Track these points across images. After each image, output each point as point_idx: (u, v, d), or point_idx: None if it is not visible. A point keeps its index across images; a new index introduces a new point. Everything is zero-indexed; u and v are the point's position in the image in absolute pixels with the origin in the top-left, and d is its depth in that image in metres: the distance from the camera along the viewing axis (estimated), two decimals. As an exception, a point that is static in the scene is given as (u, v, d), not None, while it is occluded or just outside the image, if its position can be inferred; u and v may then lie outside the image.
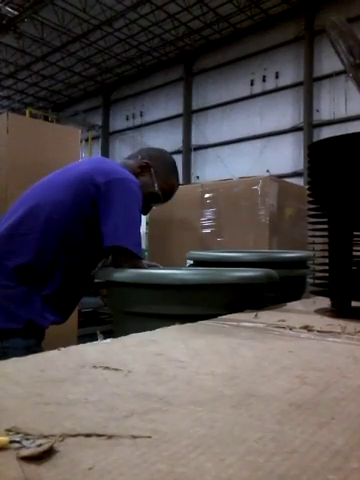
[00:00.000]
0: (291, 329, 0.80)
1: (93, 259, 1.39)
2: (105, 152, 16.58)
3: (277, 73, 12.31)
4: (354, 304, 0.98)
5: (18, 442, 0.33)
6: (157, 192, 1.48)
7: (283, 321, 0.86)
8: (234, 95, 13.05)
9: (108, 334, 0.87)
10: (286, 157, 11.83)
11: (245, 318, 0.90)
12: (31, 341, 1.24)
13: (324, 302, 1.09)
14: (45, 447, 0.32)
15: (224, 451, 0.33)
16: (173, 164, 1.57)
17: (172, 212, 3.35)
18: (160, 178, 1.48)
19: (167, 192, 1.53)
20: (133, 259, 1.26)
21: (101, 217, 1.26)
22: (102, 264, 1.41)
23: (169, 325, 0.83)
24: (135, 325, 1.03)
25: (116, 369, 0.54)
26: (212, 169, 13.16)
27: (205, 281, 1.03)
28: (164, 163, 1.53)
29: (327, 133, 9.89)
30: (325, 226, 1.05)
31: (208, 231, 3.16)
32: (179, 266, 1.67)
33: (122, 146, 16.30)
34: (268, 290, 1.14)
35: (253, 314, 0.94)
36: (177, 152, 14.08)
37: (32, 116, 12.93)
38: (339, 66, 2.14)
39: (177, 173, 1.58)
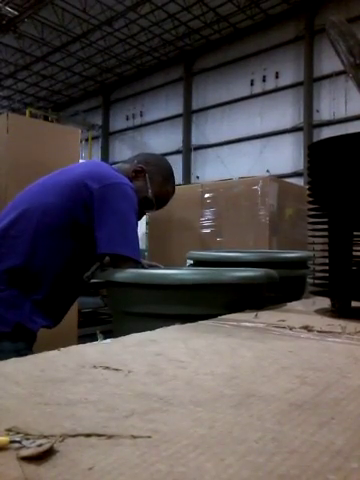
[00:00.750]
0: (291, 329, 0.80)
1: (85, 264, 1.37)
2: (105, 152, 16.59)
3: (277, 73, 12.32)
4: (354, 304, 0.98)
5: (18, 442, 0.33)
6: (150, 198, 1.46)
7: (283, 321, 0.86)
8: (234, 95, 13.06)
9: (108, 334, 0.87)
10: (286, 157, 11.83)
11: (245, 318, 0.90)
12: (20, 344, 1.23)
13: (324, 302, 1.09)
14: (45, 447, 0.32)
15: (224, 451, 0.33)
16: (169, 171, 1.54)
17: (172, 212, 3.35)
18: (154, 184, 1.46)
19: (161, 199, 1.51)
20: (131, 264, 1.24)
21: (95, 223, 1.24)
22: (97, 267, 1.40)
23: (169, 325, 0.83)
24: (135, 325, 1.03)
25: (116, 369, 0.54)
26: (212, 169, 13.16)
27: (205, 281, 1.03)
28: (160, 169, 1.50)
29: (327, 133, 9.89)
30: (325, 226, 1.05)
31: (208, 231, 3.17)
32: (179, 266, 1.67)
33: (122, 146, 16.31)
34: (268, 290, 1.14)
35: (253, 314, 0.94)
36: (177, 152, 14.10)
37: (32, 116, 12.94)
38: (339, 66, 2.14)
39: (173, 180, 1.55)
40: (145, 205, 1.47)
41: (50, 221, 1.27)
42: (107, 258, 1.32)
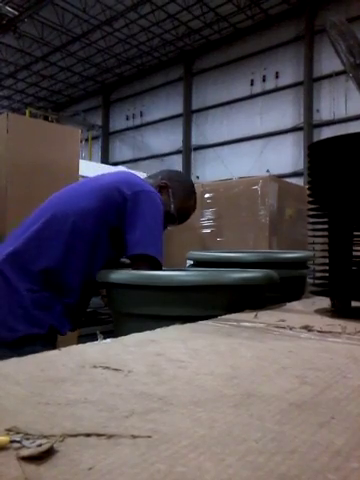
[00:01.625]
0: (291, 329, 0.80)
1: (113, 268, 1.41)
2: (105, 152, 16.58)
3: (277, 73, 12.31)
4: (354, 304, 0.98)
5: (18, 442, 0.33)
6: (173, 213, 1.51)
7: (283, 321, 0.86)
8: (234, 95, 13.05)
9: (108, 334, 0.87)
10: (286, 157, 11.83)
11: (245, 318, 0.90)
12: (50, 348, 1.24)
13: (324, 302, 1.09)
14: (45, 447, 0.32)
15: (224, 451, 0.33)
16: (191, 187, 1.60)
17: (172, 212, 3.34)
18: (177, 200, 1.52)
19: (183, 214, 1.56)
20: (155, 268, 1.27)
21: (127, 226, 1.29)
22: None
23: (169, 326, 0.83)
24: (135, 326, 1.03)
25: (116, 369, 0.54)
26: (212, 169, 13.16)
27: (206, 283, 1.03)
28: (182, 185, 1.56)
29: (327, 133, 9.89)
30: (325, 226, 1.05)
31: (208, 231, 3.16)
32: (179, 266, 1.67)
33: (122, 146, 16.30)
34: (268, 290, 1.14)
35: (253, 314, 0.94)
36: (177, 152, 14.10)
37: (32, 116, 12.94)
38: (339, 66, 2.14)
39: (195, 196, 1.61)
40: (168, 219, 1.51)
41: (84, 225, 1.29)
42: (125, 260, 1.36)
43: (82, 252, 1.29)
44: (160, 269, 1.29)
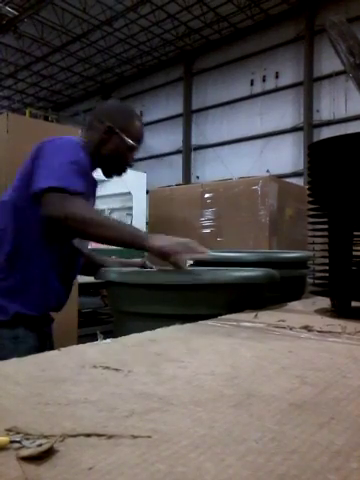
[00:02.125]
0: (291, 329, 0.80)
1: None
2: (105, 152, 16.57)
3: (277, 73, 12.31)
4: (354, 304, 0.98)
5: (18, 442, 0.33)
6: (131, 144, 1.49)
7: (283, 321, 0.86)
8: (234, 95, 13.06)
9: (108, 334, 0.87)
10: (286, 157, 11.83)
11: (245, 318, 0.90)
12: (19, 331, 1.27)
13: (324, 302, 1.09)
14: (45, 447, 0.32)
15: (224, 451, 0.33)
16: (128, 108, 1.60)
17: (172, 212, 3.35)
18: (127, 131, 1.49)
19: (138, 137, 1.53)
20: (54, 193, 1.21)
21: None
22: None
23: (169, 325, 0.83)
24: (135, 325, 1.03)
25: (116, 369, 0.54)
26: (212, 169, 13.16)
27: (206, 281, 1.03)
28: (121, 114, 1.52)
29: (327, 133, 9.89)
30: (325, 226, 1.05)
31: (208, 231, 3.17)
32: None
33: (122, 146, 16.30)
34: (268, 290, 1.14)
35: (253, 314, 0.94)
36: (177, 152, 14.09)
37: (32, 116, 12.92)
38: (339, 66, 2.14)
39: (136, 114, 1.60)
40: (131, 151, 1.50)
41: (22, 205, 1.32)
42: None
43: (31, 229, 1.33)
44: (65, 192, 1.20)
